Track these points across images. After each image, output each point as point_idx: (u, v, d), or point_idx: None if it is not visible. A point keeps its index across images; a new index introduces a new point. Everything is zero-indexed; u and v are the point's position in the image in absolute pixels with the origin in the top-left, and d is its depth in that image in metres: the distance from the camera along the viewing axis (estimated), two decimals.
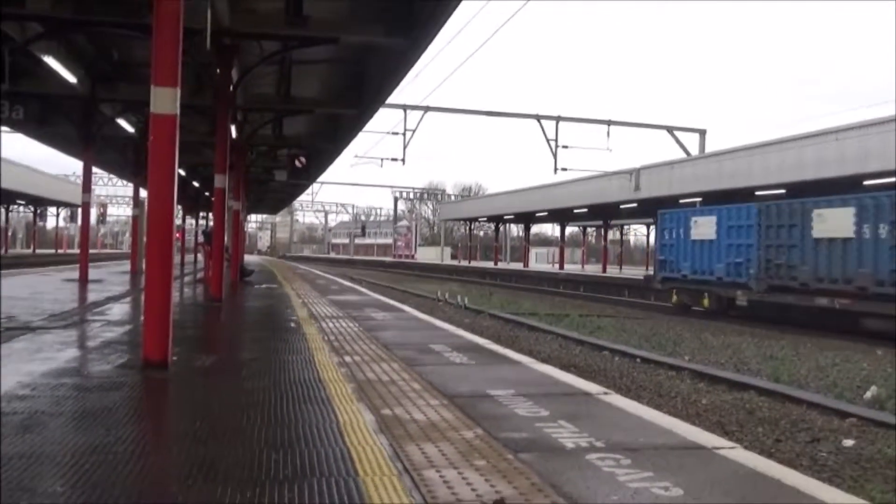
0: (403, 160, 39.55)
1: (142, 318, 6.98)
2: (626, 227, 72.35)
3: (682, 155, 38.81)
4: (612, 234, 70.47)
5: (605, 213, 49.51)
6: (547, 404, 5.20)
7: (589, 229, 75.30)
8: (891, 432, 8.24)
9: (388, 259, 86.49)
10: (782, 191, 29.54)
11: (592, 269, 56.54)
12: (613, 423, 4.75)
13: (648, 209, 43.22)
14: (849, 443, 7.81)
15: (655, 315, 24.69)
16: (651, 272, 30.43)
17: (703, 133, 40.71)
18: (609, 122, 38.74)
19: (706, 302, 24.36)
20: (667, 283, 26.95)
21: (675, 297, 26.26)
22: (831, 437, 8.05)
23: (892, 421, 8.69)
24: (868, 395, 10.51)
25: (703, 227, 24.70)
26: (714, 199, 34.53)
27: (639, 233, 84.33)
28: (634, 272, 51.56)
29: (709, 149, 38.65)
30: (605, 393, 5.85)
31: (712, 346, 15.96)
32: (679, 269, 25.82)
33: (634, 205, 40.46)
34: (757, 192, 31.01)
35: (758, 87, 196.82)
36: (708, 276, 24.23)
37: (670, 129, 40.38)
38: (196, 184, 34.68)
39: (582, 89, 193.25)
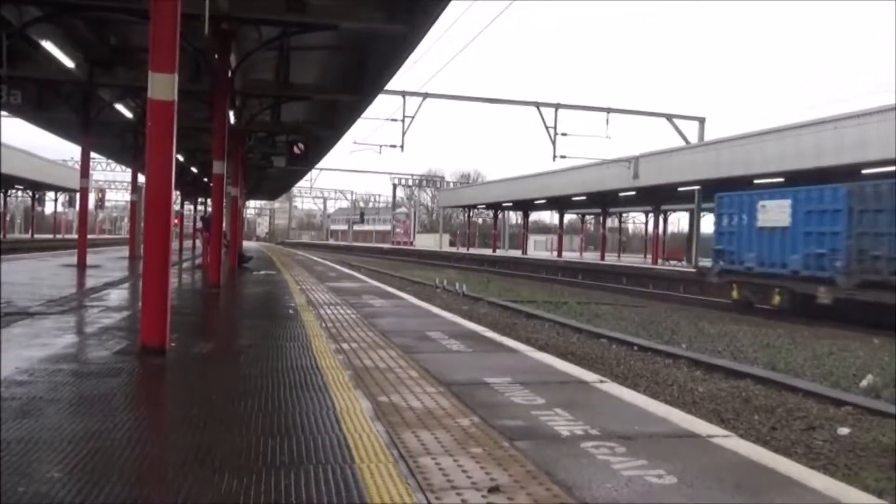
0: (402, 147, 39.48)
1: (140, 303, 6.98)
2: (624, 215, 72.44)
3: (681, 143, 38.78)
4: (611, 222, 70.48)
5: (604, 201, 49.53)
6: (543, 392, 5.21)
7: (587, 217, 75.31)
8: (886, 421, 8.28)
9: (387, 246, 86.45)
10: (780, 179, 29.58)
11: (591, 256, 56.59)
12: (609, 412, 4.77)
13: (647, 197, 43.33)
14: (844, 431, 7.85)
15: (653, 303, 24.72)
16: (708, 263, 26.61)
17: (702, 121, 40.69)
18: (608, 110, 38.68)
19: (777, 299, 21.22)
20: (725, 277, 23.67)
21: (735, 293, 23.11)
22: (827, 426, 8.10)
23: (888, 409, 8.74)
24: (864, 383, 10.56)
25: (774, 213, 21.48)
26: (713, 188, 34.55)
27: (637, 220, 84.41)
28: (633, 260, 51.62)
29: (708, 137, 38.62)
30: (602, 381, 5.87)
31: (709, 335, 16.00)
32: (742, 261, 22.64)
33: (633, 193, 40.46)
34: (755, 181, 31.05)
35: (757, 76, 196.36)
36: (780, 269, 21.12)
37: (669, 117, 40.33)
38: (194, 169, 34.63)
39: (581, 77, 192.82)
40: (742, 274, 22.76)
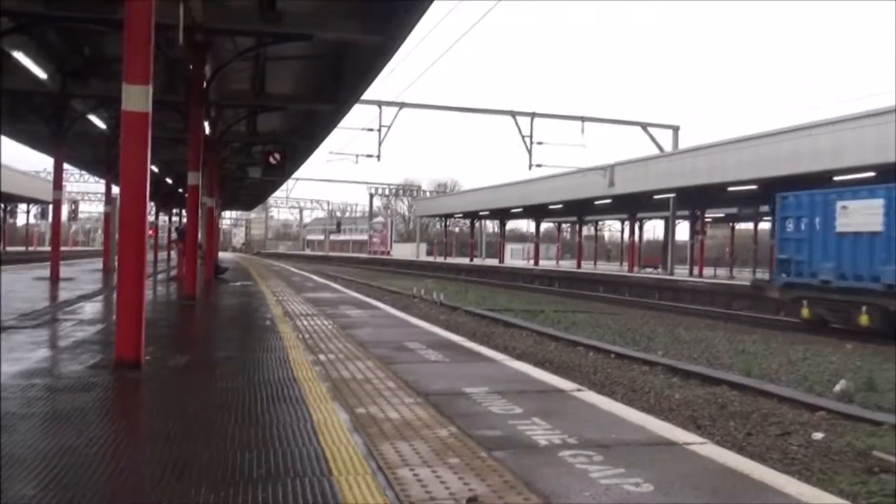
0: (379, 156, 39.52)
1: (114, 316, 6.91)
2: (600, 222, 72.86)
3: (656, 151, 39.10)
4: (587, 230, 70.82)
5: (580, 209, 49.78)
6: (521, 401, 5.23)
7: (564, 225, 75.63)
8: (859, 425, 8.39)
9: (364, 255, 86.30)
10: (754, 186, 29.91)
11: (567, 264, 56.80)
12: (586, 420, 4.79)
13: (623, 205, 43.61)
14: (818, 436, 7.93)
15: (629, 311, 24.84)
16: (761, 275, 23.92)
17: (676, 129, 41.08)
18: (583, 119, 38.95)
19: (864, 319, 17.69)
20: (791, 292, 20.09)
21: (806, 311, 19.45)
22: (801, 431, 8.17)
23: (861, 414, 8.85)
24: (837, 388, 10.68)
25: (860, 215, 18.03)
26: (688, 195, 34.88)
27: (613, 228, 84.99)
28: (609, 268, 51.89)
29: (682, 145, 39.00)
30: (579, 390, 5.89)
31: (685, 341, 16.12)
32: (814, 273, 19.07)
33: (609, 200, 40.71)
34: (730, 188, 31.35)
35: (730, 85, 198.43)
36: (868, 282, 17.62)
37: (644, 126, 40.67)
38: (169, 180, 34.40)
39: (556, 86, 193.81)
40: (815, 288, 19.19)
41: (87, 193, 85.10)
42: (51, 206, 22.80)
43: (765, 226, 46.82)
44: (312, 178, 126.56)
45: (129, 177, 6.53)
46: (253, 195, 55.23)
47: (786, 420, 8.69)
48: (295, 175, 53.54)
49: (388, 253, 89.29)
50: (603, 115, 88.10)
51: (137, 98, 6.43)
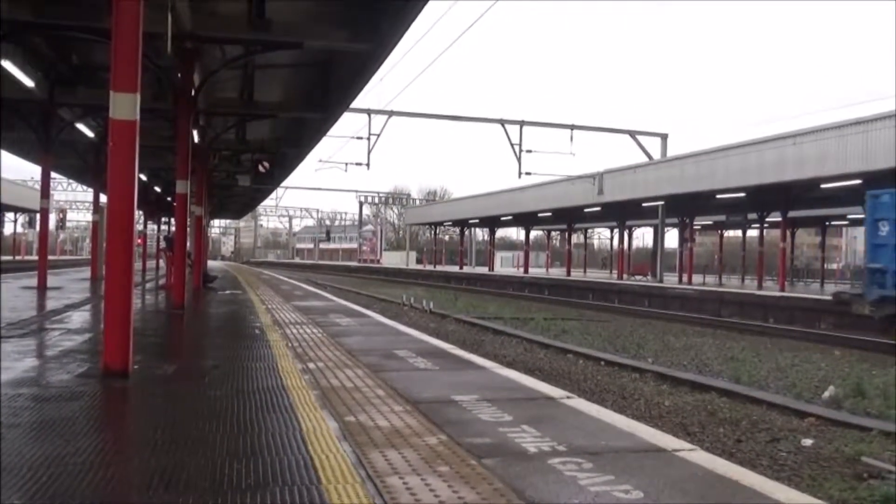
0: (368, 164, 39.33)
1: (102, 325, 6.87)
2: (589, 230, 73.01)
3: (645, 159, 39.21)
4: (577, 238, 70.91)
5: (569, 217, 49.90)
6: (510, 409, 5.22)
7: (553, 233, 75.73)
8: (848, 431, 8.41)
9: (354, 264, 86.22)
10: (742, 194, 30.03)
11: (557, 272, 56.88)
12: (576, 427, 4.78)
13: (612, 213, 43.72)
14: (807, 442, 7.95)
15: (619, 318, 24.87)
16: (841, 288, 20.90)
17: (664, 137, 41.13)
18: (572, 127, 38.94)
19: None
20: (887, 307, 17.00)
21: None
22: (790, 437, 8.19)
23: (850, 420, 8.88)
24: (826, 394, 10.71)
25: None
26: (677, 203, 35.00)
27: (603, 236, 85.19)
28: (598, 275, 51.98)
29: (670, 153, 39.11)
30: (568, 397, 5.88)
31: (675, 348, 16.14)
32: None
33: (598, 208, 40.79)
34: (718, 196, 31.49)
35: (718, 92, 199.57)
36: None
37: (632, 134, 40.73)
38: (158, 189, 34.30)
39: (546, 94, 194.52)
40: None
41: (76, 202, 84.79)
42: (38, 215, 22.64)
43: (753, 233, 47.03)
44: (302, 186, 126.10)
45: (117, 185, 6.50)
46: (242, 203, 55.13)
47: (775, 426, 8.71)
48: (284, 183, 53.39)
49: (378, 261, 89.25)
50: (592, 123, 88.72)
51: (125, 106, 6.40)
